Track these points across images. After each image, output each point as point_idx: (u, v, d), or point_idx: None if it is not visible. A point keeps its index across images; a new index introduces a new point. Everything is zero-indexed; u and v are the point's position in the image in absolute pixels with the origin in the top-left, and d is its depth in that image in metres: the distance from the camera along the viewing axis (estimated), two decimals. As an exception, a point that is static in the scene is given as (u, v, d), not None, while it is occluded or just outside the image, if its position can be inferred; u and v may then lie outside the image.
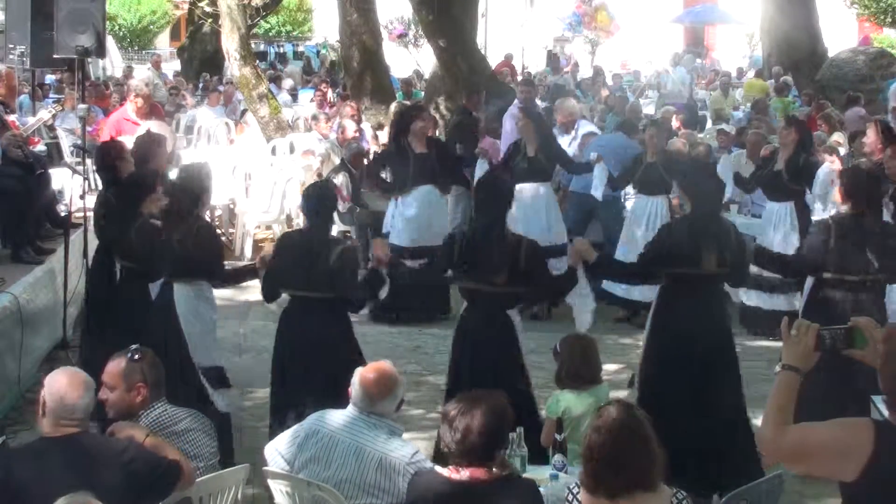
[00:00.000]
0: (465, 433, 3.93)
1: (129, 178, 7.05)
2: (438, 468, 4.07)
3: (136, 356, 4.60)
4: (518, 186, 9.60)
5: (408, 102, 16.00)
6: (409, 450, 4.44)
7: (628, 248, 9.04)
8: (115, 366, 4.59)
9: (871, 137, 8.88)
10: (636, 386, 6.46)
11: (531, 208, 9.47)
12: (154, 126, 9.70)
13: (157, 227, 6.68)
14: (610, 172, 9.71)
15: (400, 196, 9.63)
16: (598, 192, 9.82)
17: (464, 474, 3.95)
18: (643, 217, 9.45)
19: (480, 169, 10.21)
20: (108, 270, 7.14)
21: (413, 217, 9.51)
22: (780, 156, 9.12)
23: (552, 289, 6.32)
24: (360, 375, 4.60)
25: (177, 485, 4.26)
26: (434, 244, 7.94)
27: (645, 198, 9.55)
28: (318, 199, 6.08)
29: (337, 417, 4.62)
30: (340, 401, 4.82)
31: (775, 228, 9.00)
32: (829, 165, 8.77)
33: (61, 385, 4.19)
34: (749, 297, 9.14)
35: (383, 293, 6.11)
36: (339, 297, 5.93)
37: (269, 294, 6.22)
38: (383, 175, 10.06)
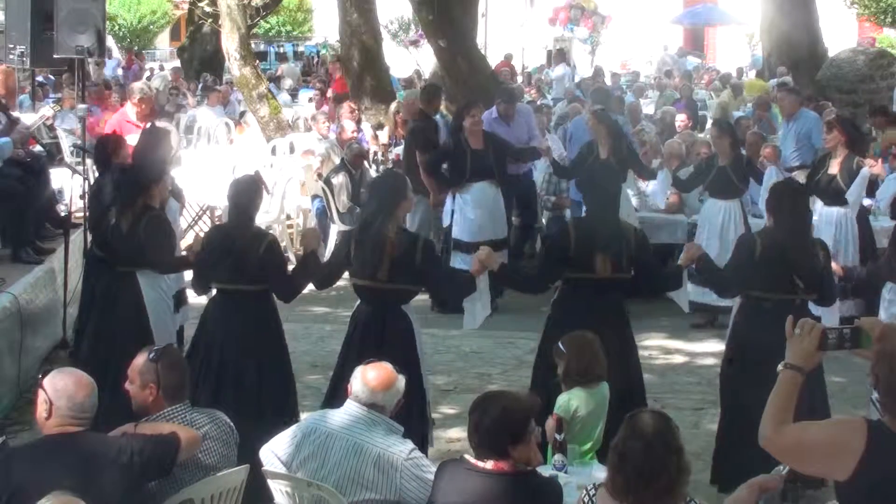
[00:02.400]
0: (475, 427, 4.04)
1: (132, 168, 7.06)
2: (467, 456, 4.12)
3: (154, 356, 4.61)
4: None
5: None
6: (407, 447, 4.45)
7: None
8: (136, 360, 4.64)
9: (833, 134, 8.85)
10: None
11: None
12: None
13: (166, 220, 6.70)
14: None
15: (458, 192, 9.72)
16: (657, 198, 9.94)
17: (488, 464, 4.02)
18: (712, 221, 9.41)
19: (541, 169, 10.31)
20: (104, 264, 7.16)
21: (476, 215, 9.60)
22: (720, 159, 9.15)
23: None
24: (360, 370, 4.62)
25: (178, 455, 4.29)
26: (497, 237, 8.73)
27: (714, 201, 9.50)
28: (236, 192, 6.15)
29: (336, 415, 4.62)
30: (260, 396, 5.04)
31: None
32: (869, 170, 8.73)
33: (68, 384, 4.20)
34: None
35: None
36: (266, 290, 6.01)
37: (200, 287, 6.30)
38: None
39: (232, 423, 4.76)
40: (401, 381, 4.63)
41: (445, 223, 9.87)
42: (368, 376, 4.57)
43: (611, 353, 5.58)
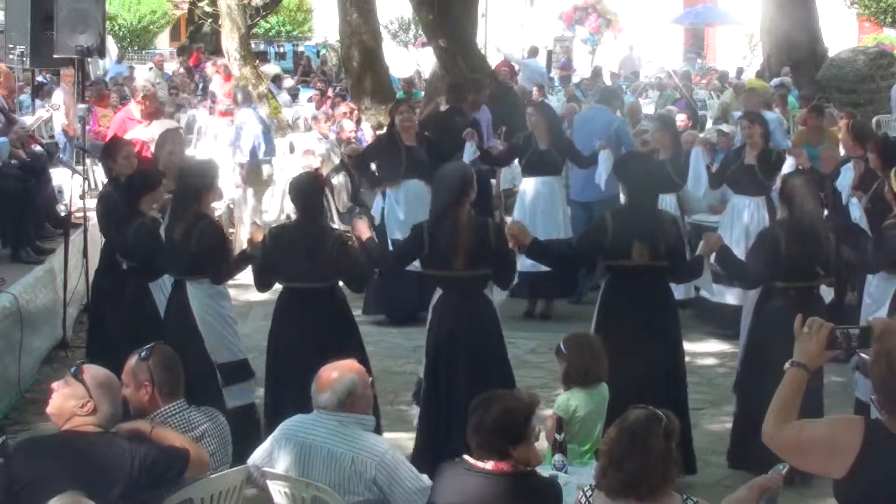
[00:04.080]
0: (476, 427, 4.04)
1: (130, 175, 7.10)
2: (466, 457, 4.11)
3: (144, 354, 4.58)
4: (529, 180, 9.73)
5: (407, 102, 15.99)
6: (380, 449, 4.41)
7: None
8: (128, 363, 4.60)
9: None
10: None
11: (541, 201, 9.64)
12: (162, 125, 9.73)
13: (156, 226, 6.70)
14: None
15: (390, 189, 9.66)
16: (601, 180, 9.89)
17: (488, 464, 4.01)
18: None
19: (468, 153, 10.25)
20: (113, 268, 7.18)
21: (406, 214, 9.51)
22: (749, 151, 9.16)
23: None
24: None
25: (185, 472, 4.26)
26: None
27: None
28: (302, 192, 6.18)
29: (306, 422, 4.59)
30: None
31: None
32: None
33: (113, 391, 4.19)
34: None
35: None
36: (336, 285, 6.05)
37: (263, 284, 6.31)
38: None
39: (225, 421, 4.77)
40: (348, 377, 4.54)
41: (377, 221, 9.75)
42: (316, 380, 4.57)
43: (655, 342, 5.92)
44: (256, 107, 12.76)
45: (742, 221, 9.02)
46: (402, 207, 9.56)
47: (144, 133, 9.58)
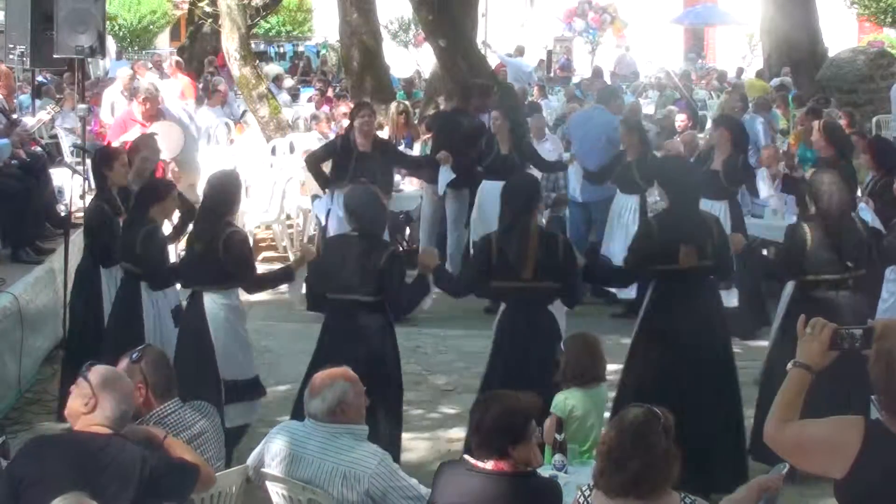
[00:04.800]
0: (476, 427, 4.04)
1: (142, 187, 7.05)
2: (467, 457, 4.10)
3: (136, 357, 4.59)
4: (489, 184, 9.74)
5: (408, 102, 15.99)
6: (374, 459, 4.39)
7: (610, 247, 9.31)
8: (119, 367, 4.57)
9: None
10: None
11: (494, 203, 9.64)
12: (163, 125, 9.75)
13: (164, 237, 6.70)
14: (586, 169, 9.96)
15: (336, 190, 9.50)
16: (576, 192, 9.91)
17: (488, 464, 4.01)
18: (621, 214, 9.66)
19: (444, 176, 10.21)
20: (93, 278, 7.17)
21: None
22: (716, 156, 9.16)
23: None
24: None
25: (194, 488, 4.23)
26: None
27: (620, 196, 9.76)
28: (360, 203, 6.11)
29: (298, 432, 4.58)
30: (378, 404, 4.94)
31: None
32: None
33: (118, 390, 4.13)
34: None
35: (427, 302, 6.13)
36: (384, 300, 5.97)
37: (314, 299, 6.25)
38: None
39: (219, 417, 4.78)
40: (339, 384, 4.52)
41: (323, 221, 9.71)
42: (308, 387, 4.56)
43: (706, 345, 5.99)
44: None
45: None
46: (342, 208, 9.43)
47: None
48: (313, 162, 9.88)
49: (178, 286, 6.84)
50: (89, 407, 4.11)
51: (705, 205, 8.92)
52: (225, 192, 6.35)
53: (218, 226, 6.21)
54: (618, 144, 10.11)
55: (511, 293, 5.99)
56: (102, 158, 7.47)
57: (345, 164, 9.43)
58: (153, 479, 4.03)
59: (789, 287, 6.55)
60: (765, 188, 9.32)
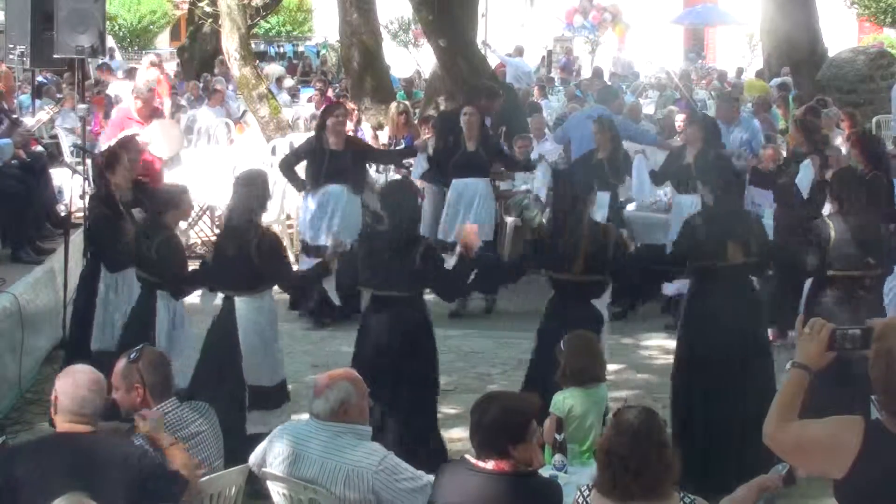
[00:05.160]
0: (476, 426, 4.04)
1: (154, 193, 7.00)
2: (468, 456, 4.11)
3: (133, 356, 4.63)
4: (457, 182, 9.76)
5: (408, 102, 15.98)
6: (377, 456, 4.40)
7: None
8: (117, 367, 4.64)
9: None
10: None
11: (467, 204, 9.68)
12: (162, 124, 9.74)
13: (181, 243, 6.66)
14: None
15: (310, 192, 9.52)
16: (541, 192, 9.94)
17: (489, 464, 4.01)
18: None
19: (419, 166, 10.21)
20: (95, 283, 7.16)
21: (315, 215, 9.42)
22: (688, 151, 9.35)
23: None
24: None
25: (180, 498, 4.24)
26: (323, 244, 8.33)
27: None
28: (397, 198, 6.14)
29: (301, 431, 4.59)
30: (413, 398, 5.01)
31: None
32: None
33: (70, 381, 4.20)
34: None
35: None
36: (422, 293, 6.06)
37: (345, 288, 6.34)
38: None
39: (215, 414, 4.77)
40: (342, 384, 4.54)
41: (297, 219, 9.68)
42: (314, 386, 4.56)
43: (748, 341, 6.11)
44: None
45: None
46: (317, 211, 9.39)
47: (141, 135, 9.56)
48: (287, 167, 9.86)
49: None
50: (54, 408, 4.19)
51: (685, 200, 9.15)
52: (253, 193, 6.26)
53: (249, 228, 6.14)
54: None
55: (561, 284, 6.15)
56: (107, 161, 7.40)
57: (318, 165, 9.42)
58: (140, 476, 4.07)
59: (807, 284, 6.71)
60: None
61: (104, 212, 7.21)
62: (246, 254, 6.05)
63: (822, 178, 8.22)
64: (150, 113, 10.12)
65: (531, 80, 21.23)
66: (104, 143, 9.61)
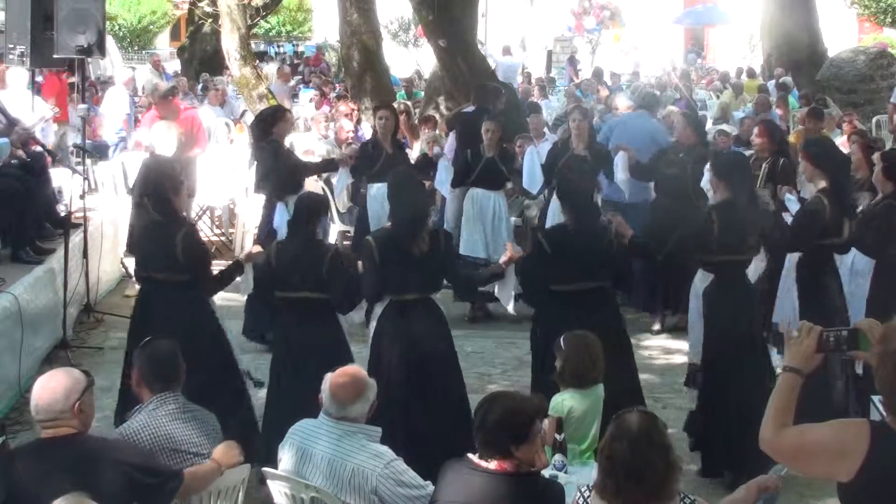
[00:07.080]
0: (479, 426, 4.04)
1: (155, 184, 6.80)
2: (470, 456, 4.10)
3: (142, 345, 4.73)
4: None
5: (408, 102, 15.99)
6: (384, 458, 4.41)
7: None
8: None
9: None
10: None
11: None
12: (162, 125, 9.76)
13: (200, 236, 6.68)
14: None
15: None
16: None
17: (491, 464, 4.01)
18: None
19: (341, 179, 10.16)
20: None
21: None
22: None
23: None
24: (328, 381, 4.58)
25: (175, 495, 4.26)
26: None
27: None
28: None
29: (310, 428, 4.59)
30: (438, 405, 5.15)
31: None
32: None
33: (37, 387, 4.18)
34: None
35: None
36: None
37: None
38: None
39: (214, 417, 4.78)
40: (370, 386, 4.58)
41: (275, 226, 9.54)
42: (337, 390, 4.54)
43: (757, 333, 6.31)
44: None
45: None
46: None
47: (145, 137, 9.63)
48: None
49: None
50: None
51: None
52: (308, 203, 6.32)
53: (307, 238, 6.16)
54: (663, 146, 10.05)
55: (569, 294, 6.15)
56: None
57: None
58: (132, 476, 4.08)
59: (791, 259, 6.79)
60: (620, 172, 9.59)
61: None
62: (311, 261, 6.11)
63: (780, 179, 8.15)
64: (164, 114, 10.35)
65: (515, 77, 21.34)
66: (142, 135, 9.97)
